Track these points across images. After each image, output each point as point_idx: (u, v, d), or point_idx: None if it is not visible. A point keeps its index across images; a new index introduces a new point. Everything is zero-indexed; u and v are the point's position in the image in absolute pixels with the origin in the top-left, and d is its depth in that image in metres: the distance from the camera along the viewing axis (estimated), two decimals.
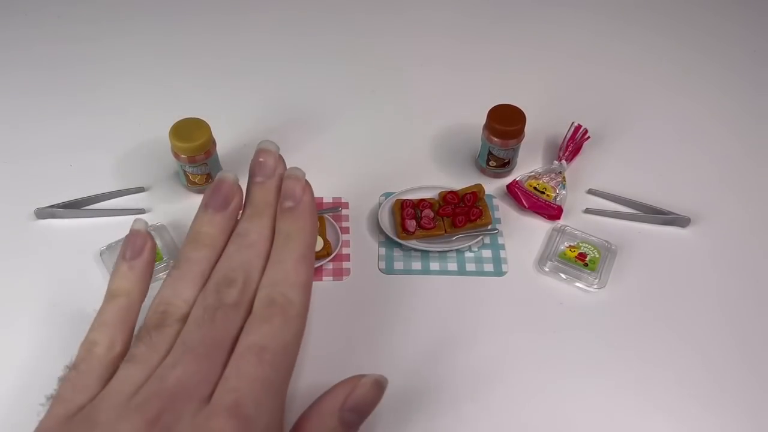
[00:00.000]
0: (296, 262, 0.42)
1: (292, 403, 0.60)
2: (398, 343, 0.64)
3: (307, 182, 0.46)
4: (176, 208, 0.75)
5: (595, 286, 0.68)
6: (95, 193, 0.75)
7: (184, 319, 0.41)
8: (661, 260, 0.71)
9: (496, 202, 0.77)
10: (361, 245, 0.72)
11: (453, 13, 1.06)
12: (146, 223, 0.47)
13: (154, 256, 0.46)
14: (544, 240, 0.73)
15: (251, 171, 0.49)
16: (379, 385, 0.45)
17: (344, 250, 0.71)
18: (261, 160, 0.48)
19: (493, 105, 0.76)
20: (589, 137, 0.82)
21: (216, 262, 0.44)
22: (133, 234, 0.46)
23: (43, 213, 0.73)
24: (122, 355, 0.41)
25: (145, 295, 0.45)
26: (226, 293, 0.41)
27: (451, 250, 0.71)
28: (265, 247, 0.44)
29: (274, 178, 0.47)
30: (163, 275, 0.68)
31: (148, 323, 0.41)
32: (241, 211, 0.47)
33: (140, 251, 0.45)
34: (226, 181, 0.47)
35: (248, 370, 0.38)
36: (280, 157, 0.49)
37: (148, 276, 0.45)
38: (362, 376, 0.45)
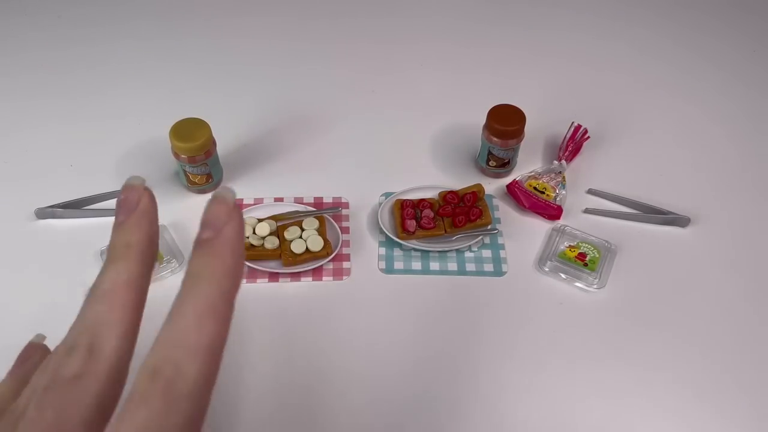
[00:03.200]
0: (200, 316, 0.31)
1: (291, 404, 0.60)
2: (398, 343, 0.64)
3: (236, 207, 0.33)
4: (176, 208, 0.75)
5: (595, 286, 0.68)
6: (95, 193, 0.75)
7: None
8: (661, 260, 0.71)
9: (496, 202, 0.77)
10: (361, 245, 0.72)
11: (453, 14, 1.06)
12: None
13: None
14: (544, 240, 0.73)
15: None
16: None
17: (344, 250, 0.71)
18: (122, 197, 0.34)
19: (493, 105, 0.76)
20: (588, 137, 0.82)
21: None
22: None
23: (43, 213, 0.73)
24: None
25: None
26: (63, 365, 0.30)
27: (451, 250, 0.71)
28: (127, 296, 0.33)
29: (135, 214, 0.34)
30: (162, 276, 0.68)
31: None
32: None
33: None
34: (31, 345, 0.43)
35: None
36: (148, 193, 0.35)
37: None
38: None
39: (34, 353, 0.41)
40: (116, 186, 0.77)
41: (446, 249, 0.71)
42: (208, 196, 0.76)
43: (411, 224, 0.71)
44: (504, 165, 0.78)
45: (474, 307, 0.67)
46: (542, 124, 0.84)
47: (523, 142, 0.76)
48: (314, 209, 0.74)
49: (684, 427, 0.58)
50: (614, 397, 0.60)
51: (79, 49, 0.97)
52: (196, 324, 0.31)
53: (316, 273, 0.69)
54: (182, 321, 0.31)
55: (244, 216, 0.72)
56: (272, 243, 0.69)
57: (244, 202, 0.76)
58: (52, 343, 0.64)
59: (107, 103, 0.89)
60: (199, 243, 0.33)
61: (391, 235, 0.71)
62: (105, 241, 0.69)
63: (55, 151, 0.81)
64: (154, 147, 0.81)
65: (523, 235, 0.74)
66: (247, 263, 0.69)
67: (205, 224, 0.33)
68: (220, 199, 0.33)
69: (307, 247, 0.68)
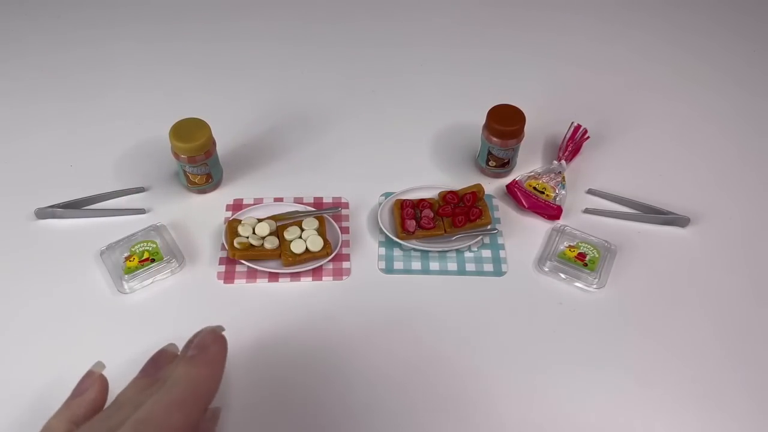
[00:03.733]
0: (169, 406, 0.38)
1: (291, 403, 0.60)
2: (398, 343, 0.64)
3: (222, 337, 0.43)
4: (176, 208, 0.75)
5: (595, 286, 0.68)
6: (95, 193, 0.75)
7: None
8: (661, 260, 0.71)
9: (495, 202, 0.77)
10: (361, 245, 0.72)
11: (453, 15, 1.06)
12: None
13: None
14: (544, 240, 0.73)
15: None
16: (215, 417, 0.45)
17: (344, 250, 0.71)
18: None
19: (493, 105, 0.76)
20: (588, 137, 0.82)
21: None
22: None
23: (43, 213, 0.73)
24: None
25: None
26: None
27: (451, 250, 0.71)
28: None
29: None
30: (161, 276, 0.68)
31: None
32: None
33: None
34: (90, 374, 0.47)
35: None
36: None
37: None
38: None
39: (91, 385, 0.45)
40: (116, 186, 0.77)
41: (446, 249, 0.71)
42: (208, 196, 0.77)
43: (411, 224, 0.71)
44: (504, 165, 0.78)
45: (474, 307, 0.67)
46: (542, 124, 0.84)
47: (523, 142, 0.76)
48: (314, 209, 0.74)
49: (684, 427, 0.58)
50: (613, 396, 0.60)
51: (79, 49, 0.97)
52: (165, 411, 0.37)
53: (316, 273, 0.69)
54: (154, 407, 0.38)
55: (244, 216, 0.72)
56: (272, 243, 0.69)
57: (244, 202, 0.76)
58: (51, 341, 0.64)
59: (107, 104, 0.89)
60: (184, 357, 0.41)
61: (390, 235, 0.71)
62: (105, 241, 0.70)
63: (55, 152, 0.81)
64: (154, 147, 0.81)
65: (522, 235, 0.74)
66: (247, 263, 0.69)
67: (192, 345, 0.42)
68: (210, 329, 0.43)
69: (307, 247, 0.68)
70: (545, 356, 0.63)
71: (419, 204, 0.74)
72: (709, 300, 0.68)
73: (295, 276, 0.69)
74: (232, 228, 0.70)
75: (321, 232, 0.70)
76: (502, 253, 0.72)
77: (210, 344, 0.42)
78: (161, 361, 0.44)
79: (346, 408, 0.59)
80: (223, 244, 0.71)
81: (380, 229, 0.72)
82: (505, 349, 0.63)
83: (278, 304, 0.67)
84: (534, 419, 0.59)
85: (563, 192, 0.75)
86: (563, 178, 0.77)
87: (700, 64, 0.98)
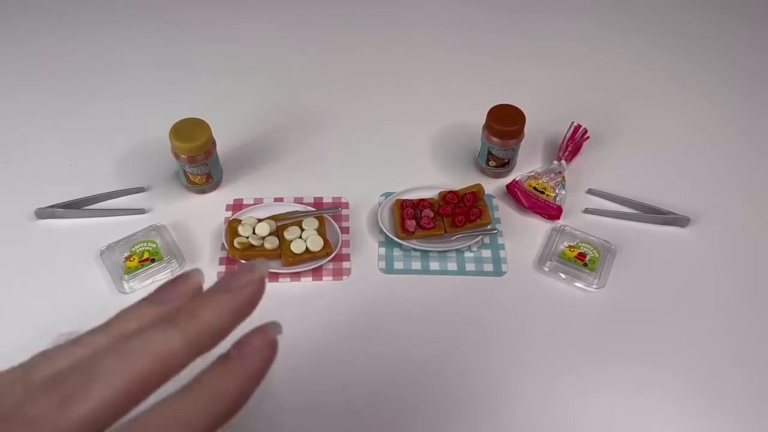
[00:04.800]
0: (168, 424, 0.29)
1: (290, 403, 0.60)
2: (398, 343, 0.64)
3: (272, 343, 0.32)
4: (176, 208, 0.75)
5: (595, 286, 0.68)
6: (95, 193, 0.75)
7: None
8: (661, 260, 0.71)
9: (495, 202, 0.77)
10: (361, 245, 0.72)
11: (454, 16, 1.06)
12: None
13: None
14: (544, 240, 0.73)
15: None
16: None
17: (344, 250, 0.71)
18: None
19: (493, 105, 0.76)
20: (588, 137, 0.82)
21: None
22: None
23: (43, 213, 0.73)
24: None
25: None
26: (26, 405, 0.24)
27: (451, 250, 0.71)
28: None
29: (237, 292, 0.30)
30: (161, 276, 0.68)
31: None
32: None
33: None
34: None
35: None
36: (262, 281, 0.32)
37: None
38: None
39: None
40: (116, 186, 0.77)
41: (446, 249, 0.71)
42: (208, 196, 0.77)
43: (411, 224, 0.71)
44: (504, 165, 0.78)
45: (474, 306, 0.67)
46: (542, 124, 0.84)
47: (522, 142, 0.76)
48: (314, 209, 0.74)
49: (684, 427, 0.58)
50: (614, 396, 0.60)
51: (79, 49, 0.97)
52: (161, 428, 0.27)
53: (316, 273, 0.69)
54: (151, 421, 0.27)
55: (244, 216, 0.72)
56: (272, 243, 0.69)
57: (244, 202, 0.76)
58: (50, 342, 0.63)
59: (107, 103, 0.89)
60: (224, 358, 0.29)
61: (390, 235, 0.71)
62: (105, 241, 0.70)
63: (55, 151, 0.81)
64: (154, 147, 0.81)
65: (522, 235, 0.74)
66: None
67: (234, 344, 0.29)
68: (262, 329, 0.31)
69: (306, 247, 0.68)
70: (545, 356, 0.63)
71: (419, 204, 0.74)
72: (709, 300, 0.68)
73: (295, 276, 0.69)
74: (232, 228, 0.70)
75: (321, 232, 0.70)
76: (502, 253, 0.71)
77: (254, 351, 0.31)
78: (179, 290, 0.31)
79: (345, 407, 0.59)
80: (223, 244, 0.70)
81: (380, 229, 0.72)
82: (505, 349, 0.63)
83: (278, 304, 0.67)
84: (534, 418, 0.59)
85: (563, 192, 0.75)
86: (563, 178, 0.77)
87: (700, 65, 0.98)
